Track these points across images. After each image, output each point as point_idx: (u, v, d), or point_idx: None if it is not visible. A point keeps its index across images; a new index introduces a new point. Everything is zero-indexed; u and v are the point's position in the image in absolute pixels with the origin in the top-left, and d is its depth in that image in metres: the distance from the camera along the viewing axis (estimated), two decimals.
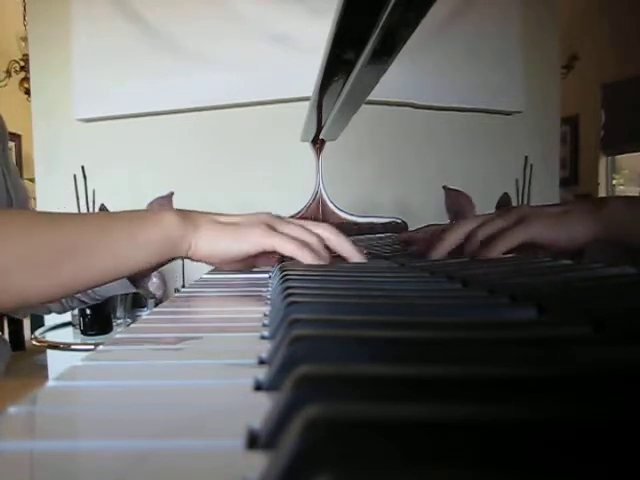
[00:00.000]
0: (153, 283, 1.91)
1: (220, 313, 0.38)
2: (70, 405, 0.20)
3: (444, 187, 1.73)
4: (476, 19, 2.11)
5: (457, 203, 1.67)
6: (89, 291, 0.77)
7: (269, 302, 0.40)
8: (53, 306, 0.81)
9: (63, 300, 0.81)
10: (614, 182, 4.11)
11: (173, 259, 0.54)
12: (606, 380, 0.15)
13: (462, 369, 0.16)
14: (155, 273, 1.73)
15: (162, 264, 0.55)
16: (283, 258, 0.55)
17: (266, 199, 1.82)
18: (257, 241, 0.52)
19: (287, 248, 0.51)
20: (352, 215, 1.30)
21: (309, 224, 0.57)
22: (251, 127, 2.05)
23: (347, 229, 1.19)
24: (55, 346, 1.73)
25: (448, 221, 1.58)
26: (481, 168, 2.16)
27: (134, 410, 0.18)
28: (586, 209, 0.58)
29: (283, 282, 0.37)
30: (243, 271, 0.60)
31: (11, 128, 0.97)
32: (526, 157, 2.09)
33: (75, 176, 1.89)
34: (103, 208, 1.79)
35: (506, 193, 1.95)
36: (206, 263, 0.56)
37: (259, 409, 0.17)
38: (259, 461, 0.13)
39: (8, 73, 3.69)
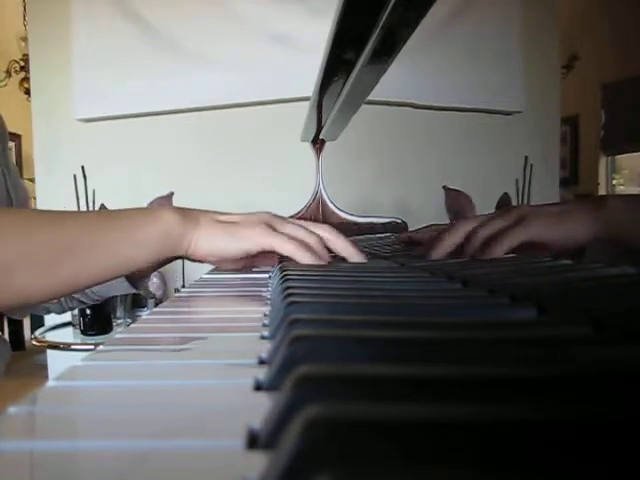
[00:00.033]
0: (153, 283, 1.91)
1: (220, 313, 0.38)
2: (70, 405, 0.20)
3: (444, 187, 1.73)
4: (476, 19, 2.11)
5: (457, 203, 1.67)
6: (88, 291, 0.77)
7: (269, 302, 0.40)
8: (52, 306, 0.81)
9: (62, 300, 0.81)
10: (614, 182, 4.11)
11: (174, 259, 0.54)
12: (606, 380, 0.15)
13: (462, 369, 0.16)
14: (155, 273, 1.73)
15: (163, 263, 0.55)
16: (283, 258, 0.55)
17: (266, 199, 1.82)
18: (256, 240, 0.52)
19: (286, 248, 0.51)
20: (352, 215, 1.30)
21: (309, 224, 0.57)
22: (251, 127, 2.05)
23: (347, 229, 1.19)
24: (55, 346, 1.73)
25: (448, 221, 1.58)
26: (481, 168, 2.16)
27: (134, 410, 0.18)
28: (586, 208, 0.58)
29: (283, 282, 0.37)
30: (243, 271, 0.60)
31: (11, 128, 0.97)
32: (526, 157, 2.10)
33: (75, 176, 1.89)
34: (103, 208, 1.79)
35: (506, 193, 1.95)
36: (206, 262, 0.56)
37: (259, 409, 0.17)
38: (259, 461, 0.13)
39: (8, 73, 3.69)
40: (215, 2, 2.01)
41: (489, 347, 0.20)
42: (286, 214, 0.79)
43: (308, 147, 1.24)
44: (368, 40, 0.58)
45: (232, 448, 0.15)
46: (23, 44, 3.42)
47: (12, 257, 0.46)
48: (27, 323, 3.15)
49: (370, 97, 0.81)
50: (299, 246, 0.51)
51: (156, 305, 1.76)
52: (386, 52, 0.61)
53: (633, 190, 4.02)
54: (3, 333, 2.79)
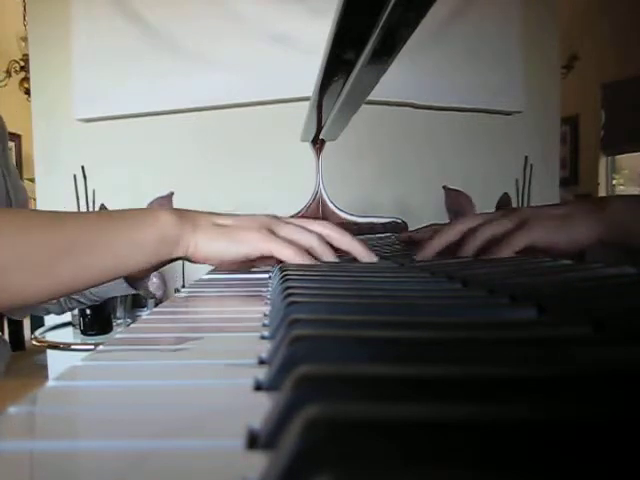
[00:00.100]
0: (153, 283, 1.91)
1: (220, 313, 0.38)
2: (70, 405, 0.20)
3: (444, 187, 1.73)
4: (476, 19, 2.11)
5: (457, 203, 1.67)
6: (87, 292, 0.77)
7: (269, 302, 0.40)
8: (52, 307, 0.81)
9: (62, 301, 0.81)
10: (614, 182, 4.11)
11: (173, 260, 0.54)
12: (606, 380, 0.15)
13: (462, 369, 0.16)
14: (155, 273, 1.73)
15: (162, 264, 0.55)
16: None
17: (266, 199, 1.82)
18: (255, 245, 0.52)
19: (284, 253, 0.51)
20: (352, 215, 1.30)
21: (310, 223, 0.57)
22: (251, 127, 2.05)
23: (347, 229, 1.19)
24: (55, 346, 1.73)
25: (448, 221, 1.58)
26: (481, 168, 2.16)
27: (134, 410, 0.18)
28: (588, 211, 0.57)
29: (283, 282, 0.37)
30: (243, 271, 0.60)
31: (11, 128, 0.97)
32: (526, 157, 2.10)
33: (75, 176, 1.89)
34: (103, 208, 1.79)
35: (506, 193, 1.95)
36: (205, 264, 0.56)
37: (259, 409, 0.17)
38: (259, 461, 0.13)
39: (8, 73, 3.69)
40: (215, 2, 2.01)
41: (489, 347, 0.20)
42: (286, 214, 0.79)
43: (308, 147, 1.24)
44: (368, 40, 0.58)
45: (232, 448, 0.15)
46: (23, 44, 3.42)
47: (9, 257, 0.46)
48: (27, 323, 3.15)
49: (370, 97, 0.81)
50: (298, 251, 0.51)
51: (156, 305, 1.76)
52: (386, 52, 0.61)
53: (633, 190, 4.02)
54: (3, 333, 2.79)
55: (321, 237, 0.54)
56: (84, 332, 1.68)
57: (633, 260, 0.51)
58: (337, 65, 0.70)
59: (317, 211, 1.27)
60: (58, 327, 1.86)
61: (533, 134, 2.26)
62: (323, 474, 0.10)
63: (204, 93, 2.00)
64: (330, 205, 1.28)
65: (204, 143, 2.08)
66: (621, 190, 4.08)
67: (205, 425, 0.17)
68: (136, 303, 1.89)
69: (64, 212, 0.51)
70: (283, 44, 1.98)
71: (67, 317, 1.82)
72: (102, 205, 1.82)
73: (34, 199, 2.22)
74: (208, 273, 0.64)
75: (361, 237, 0.63)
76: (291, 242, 0.52)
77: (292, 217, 0.63)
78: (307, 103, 0.99)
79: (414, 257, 0.59)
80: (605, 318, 0.23)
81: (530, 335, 0.23)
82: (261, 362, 0.23)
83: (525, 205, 2.04)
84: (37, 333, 1.82)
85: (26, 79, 3.51)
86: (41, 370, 2.18)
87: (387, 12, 0.51)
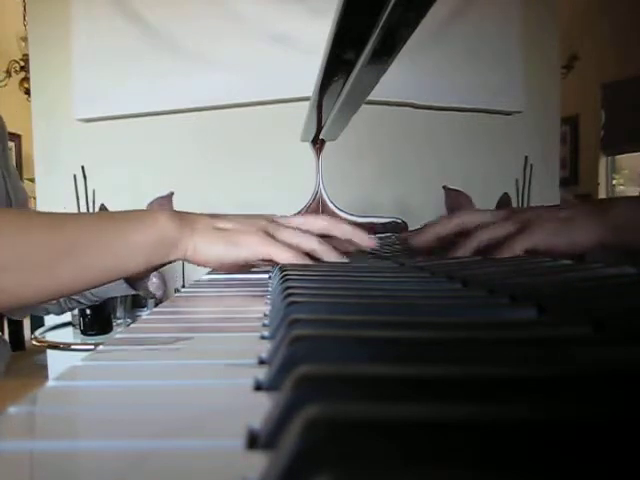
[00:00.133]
0: (153, 283, 1.91)
1: (220, 313, 0.38)
2: (70, 405, 0.20)
3: (444, 187, 1.73)
4: (476, 19, 2.11)
5: (457, 203, 1.67)
6: (87, 293, 0.77)
7: (269, 302, 0.40)
8: (51, 307, 0.81)
9: (62, 301, 0.81)
10: (614, 182, 4.11)
11: (173, 261, 0.54)
12: (606, 380, 0.15)
13: (462, 369, 0.16)
14: (155, 273, 1.73)
15: (161, 265, 0.55)
16: None
17: (266, 199, 1.82)
18: (254, 250, 0.52)
19: (283, 257, 0.51)
20: (352, 215, 1.30)
21: (308, 220, 0.57)
22: (251, 127, 2.05)
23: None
24: (55, 346, 1.73)
25: None
26: (481, 168, 2.16)
27: (134, 410, 0.18)
28: (590, 213, 0.57)
29: (283, 282, 0.37)
30: (243, 271, 0.60)
31: (11, 128, 0.97)
32: (526, 157, 2.09)
33: (75, 176, 1.89)
34: (103, 208, 1.78)
35: (506, 193, 1.94)
36: (205, 267, 0.56)
37: (259, 409, 0.17)
38: (259, 461, 0.13)
39: (8, 73, 3.69)
40: (215, 2, 2.01)
41: (489, 347, 0.20)
42: (286, 214, 0.79)
43: (308, 147, 1.24)
44: (368, 40, 0.58)
45: (232, 448, 0.15)
46: (23, 44, 3.42)
47: (8, 258, 0.46)
48: (27, 323, 3.15)
49: (370, 97, 0.81)
50: (297, 256, 0.51)
51: (156, 305, 1.76)
52: (386, 52, 0.61)
53: (633, 190, 4.02)
54: (3, 333, 2.79)
55: (320, 239, 0.54)
56: (84, 332, 1.68)
57: (633, 260, 0.51)
58: (337, 65, 0.70)
59: (317, 211, 1.27)
60: (58, 327, 1.86)
61: (533, 134, 2.26)
62: (323, 474, 0.10)
63: (204, 93, 2.00)
64: (330, 205, 1.28)
65: (204, 143, 2.08)
66: (621, 190, 4.08)
67: (205, 425, 0.17)
68: (136, 303, 1.89)
69: (61, 213, 0.51)
70: (283, 44, 1.98)
71: (67, 317, 1.82)
72: (102, 205, 1.82)
73: (34, 199, 2.22)
74: (208, 273, 0.64)
75: None
76: (291, 246, 0.52)
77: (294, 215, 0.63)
78: (307, 103, 0.99)
79: (410, 242, 0.59)
80: (605, 318, 0.23)
81: (530, 335, 0.23)
82: (261, 362, 0.23)
83: (525, 205, 2.04)
84: (37, 333, 1.82)
85: (26, 79, 3.51)
86: (41, 370, 2.18)
87: (387, 12, 0.51)
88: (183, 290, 0.51)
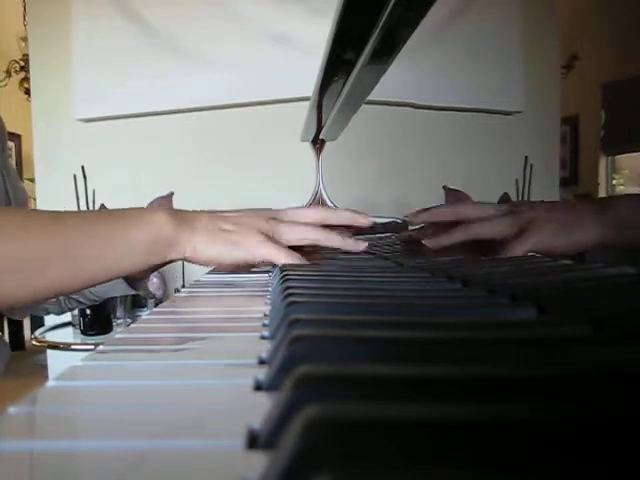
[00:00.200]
0: (153, 283, 1.91)
1: (220, 313, 0.38)
2: (70, 405, 0.20)
3: (444, 187, 1.73)
4: (476, 19, 2.11)
5: (457, 203, 1.67)
6: (87, 292, 0.77)
7: (269, 302, 0.40)
8: (51, 307, 0.81)
9: (62, 301, 0.81)
10: (614, 182, 4.11)
11: (173, 261, 0.54)
12: (606, 380, 0.15)
13: (462, 369, 0.16)
14: (155, 273, 1.73)
15: (160, 265, 0.54)
16: None
17: (266, 199, 1.81)
18: (253, 251, 0.52)
19: (282, 259, 0.51)
20: None
21: (306, 213, 0.57)
22: (251, 127, 2.05)
23: (346, 228, 1.19)
24: (55, 346, 1.73)
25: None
26: (481, 168, 2.16)
27: (134, 410, 0.18)
28: (592, 212, 0.57)
29: (283, 282, 0.37)
30: (243, 271, 0.60)
31: (11, 128, 0.97)
32: (526, 157, 2.09)
33: (75, 176, 1.89)
34: (103, 208, 1.78)
35: (506, 193, 1.94)
36: (205, 266, 0.56)
37: (259, 409, 0.17)
38: (259, 461, 0.13)
39: (8, 73, 3.69)
40: (215, 2, 2.01)
41: (489, 347, 0.20)
42: None
43: (308, 147, 1.24)
44: (368, 40, 0.58)
45: (232, 448, 0.15)
46: (23, 44, 3.42)
47: (5, 256, 0.46)
48: (27, 323, 3.15)
49: (370, 97, 0.81)
50: (296, 258, 0.52)
51: (156, 305, 1.76)
52: (386, 52, 0.61)
53: (633, 190, 4.02)
54: (3, 333, 2.79)
55: (322, 229, 0.55)
56: (84, 332, 1.68)
57: (633, 258, 0.51)
58: (337, 65, 0.70)
59: None
60: (58, 327, 1.86)
61: (533, 134, 2.26)
62: (323, 474, 0.10)
63: (204, 93, 2.00)
64: (330, 205, 1.28)
65: (204, 143, 2.08)
66: (621, 190, 4.08)
67: (205, 425, 0.17)
68: (136, 303, 1.89)
69: (57, 212, 0.50)
70: (283, 44, 1.98)
71: (67, 317, 1.82)
72: (102, 205, 1.81)
73: (34, 199, 2.22)
74: (208, 273, 0.64)
75: (361, 237, 0.63)
76: (292, 242, 0.53)
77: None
78: (307, 103, 0.99)
79: (406, 219, 0.60)
80: (605, 318, 0.23)
81: (530, 335, 0.23)
82: (261, 362, 0.23)
83: None
84: (37, 333, 1.82)
85: (26, 79, 3.51)
86: (41, 370, 2.18)
87: (387, 12, 0.51)
88: (183, 290, 0.51)
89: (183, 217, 0.52)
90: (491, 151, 2.22)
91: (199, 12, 2.01)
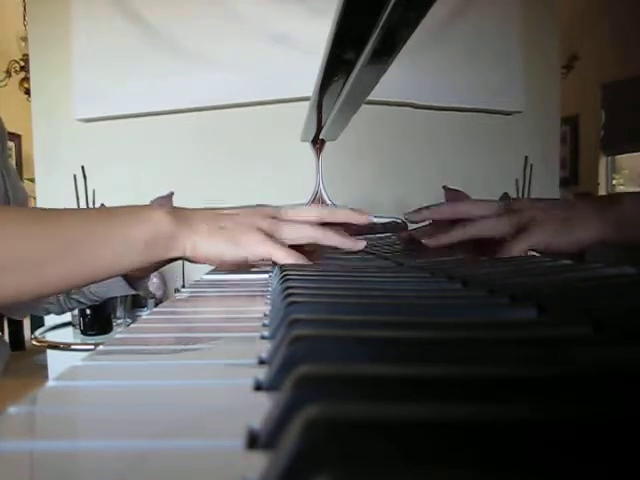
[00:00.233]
0: (153, 283, 1.91)
1: (220, 313, 0.38)
2: (70, 405, 0.20)
3: (444, 187, 1.73)
4: (476, 19, 2.11)
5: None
6: (87, 292, 0.77)
7: (269, 302, 0.40)
8: (51, 307, 0.81)
9: (62, 301, 0.81)
10: (614, 182, 4.11)
11: (173, 260, 0.54)
12: (606, 380, 0.15)
13: (462, 369, 0.16)
14: (155, 273, 1.73)
15: (160, 264, 0.54)
16: None
17: (266, 199, 1.81)
18: (253, 249, 0.52)
19: (282, 257, 0.51)
20: None
21: (304, 212, 0.57)
22: (251, 127, 2.05)
23: (347, 228, 1.19)
24: (55, 346, 1.73)
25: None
26: (481, 168, 2.16)
27: (134, 410, 0.18)
28: (592, 210, 0.57)
29: (283, 282, 0.37)
30: (243, 271, 0.60)
31: (11, 128, 0.97)
32: (526, 157, 2.09)
33: (75, 176, 1.89)
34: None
35: (506, 193, 1.94)
36: (205, 264, 0.56)
37: (259, 409, 0.17)
38: (259, 461, 0.13)
39: (8, 73, 3.69)
40: (215, 2, 2.01)
41: (489, 347, 0.20)
42: None
43: (308, 147, 1.24)
44: (368, 40, 0.58)
45: (232, 448, 0.15)
46: (23, 44, 3.42)
47: (3, 254, 0.46)
48: (27, 323, 3.15)
49: (370, 97, 0.81)
50: (296, 256, 0.52)
51: (156, 305, 1.76)
52: (386, 52, 0.61)
53: (633, 190, 4.02)
54: (3, 333, 2.79)
55: (321, 228, 0.55)
56: (84, 332, 1.68)
57: (634, 258, 0.51)
58: (337, 65, 0.70)
59: None
60: (58, 327, 1.86)
61: (533, 134, 2.26)
62: (323, 474, 0.10)
63: (204, 93, 2.00)
64: (330, 205, 1.28)
65: (204, 143, 2.08)
66: (621, 190, 4.08)
67: (205, 425, 0.17)
68: (136, 303, 1.89)
69: (55, 210, 0.50)
70: (283, 44, 1.98)
71: (67, 317, 1.82)
72: (102, 205, 1.82)
73: (34, 199, 2.22)
74: (208, 273, 0.64)
75: (361, 237, 0.63)
76: (292, 241, 0.53)
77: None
78: (307, 103, 0.99)
79: (406, 217, 0.61)
80: (605, 318, 0.23)
81: (530, 335, 0.23)
82: (261, 362, 0.23)
83: None
84: (37, 333, 1.82)
85: (26, 79, 3.51)
86: (41, 370, 2.18)
87: (387, 12, 0.51)
88: (183, 290, 0.51)
89: (182, 215, 0.52)
90: (491, 151, 2.22)
91: (199, 12, 2.01)
